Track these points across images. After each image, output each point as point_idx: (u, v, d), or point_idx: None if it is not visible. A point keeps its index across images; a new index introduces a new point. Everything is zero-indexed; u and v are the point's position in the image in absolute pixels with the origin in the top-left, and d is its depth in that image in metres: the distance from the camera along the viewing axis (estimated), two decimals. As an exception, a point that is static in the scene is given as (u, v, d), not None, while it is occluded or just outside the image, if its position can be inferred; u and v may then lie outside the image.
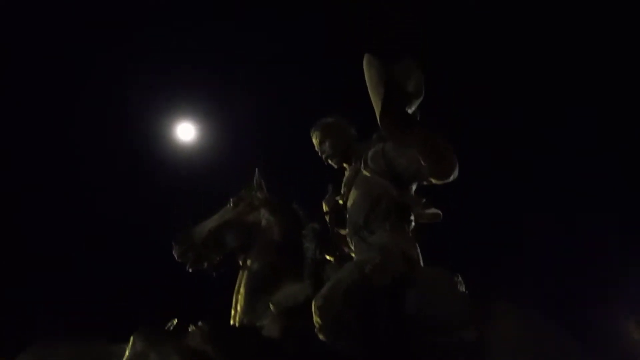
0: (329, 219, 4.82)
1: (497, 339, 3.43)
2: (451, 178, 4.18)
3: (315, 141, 5.07)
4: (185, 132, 13.22)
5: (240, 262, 4.75)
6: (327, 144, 4.97)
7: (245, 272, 4.61)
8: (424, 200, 4.47)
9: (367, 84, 3.96)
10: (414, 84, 3.87)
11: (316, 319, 3.67)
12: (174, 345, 3.25)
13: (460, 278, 4.00)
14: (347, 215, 4.63)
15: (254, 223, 4.87)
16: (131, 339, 3.38)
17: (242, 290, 4.52)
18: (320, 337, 3.63)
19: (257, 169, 5.22)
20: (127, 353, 3.32)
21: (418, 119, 3.92)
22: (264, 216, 4.89)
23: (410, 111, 3.89)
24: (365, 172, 4.60)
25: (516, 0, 11.22)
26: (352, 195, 4.65)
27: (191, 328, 3.49)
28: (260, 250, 4.67)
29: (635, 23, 10.75)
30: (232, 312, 4.48)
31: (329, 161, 5.01)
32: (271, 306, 4.13)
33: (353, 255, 4.47)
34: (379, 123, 3.81)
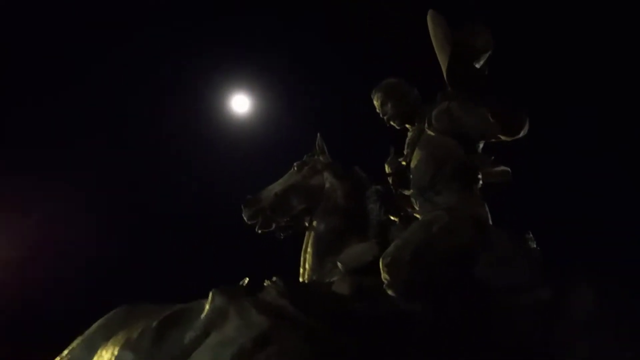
0: (392, 181, 4.81)
1: (571, 304, 3.35)
2: (522, 134, 4.06)
3: (376, 103, 5.02)
4: (240, 104, 13.48)
5: (307, 224, 4.86)
6: (389, 105, 4.91)
7: (312, 233, 4.72)
8: (493, 157, 4.37)
9: (433, 41, 3.86)
10: (482, 40, 3.73)
11: (384, 276, 3.73)
12: (251, 300, 3.38)
13: (531, 236, 3.92)
14: (411, 176, 4.60)
15: (318, 186, 4.94)
16: (210, 294, 3.55)
17: (309, 249, 4.64)
18: (389, 292, 3.69)
19: (318, 134, 5.26)
20: (206, 307, 3.49)
21: (486, 74, 3.80)
22: (328, 179, 4.95)
23: (478, 67, 3.78)
24: (429, 132, 4.53)
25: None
26: (416, 156, 4.60)
27: (266, 283, 3.63)
28: (326, 212, 4.76)
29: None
30: (301, 270, 4.63)
31: (391, 122, 4.96)
32: (339, 265, 4.23)
33: (418, 215, 4.47)
34: (445, 80, 3.72)
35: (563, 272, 3.50)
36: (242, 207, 4.95)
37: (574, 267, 3.55)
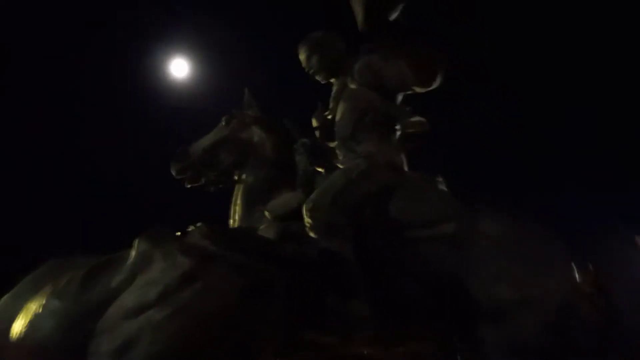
0: (319, 133, 4.99)
1: (478, 234, 3.68)
2: (434, 85, 4.31)
3: (302, 57, 5.13)
4: (179, 68, 13.37)
5: (236, 177, 4.98)
6: (313, 59, 5.03)
7: (241, 186, 4.85)
8: (409, 109, 4.61)
9: None
10: None
11: (307, 220, 3.94)
12: (176, 244, 3.50)
13: (442, 179, 4.22)
14: (336, 129, 4.79)
15: (246, 140, 5.05)
16: (135, 241, 3.63)
17: (238, 201, 4.77)
18: (312, 235, 3.91)
19: (246, 89, 5.33)
20: (132, 253, 3.58)
21: (403, 23, 3.98)
22: (256, 133, 5.06)
23: (394, 16, 3.95)
24: (352, 86, 4.72)
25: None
26: (340, 108, 4.78)
27: (190, 228, 3.75)
28: (254, 165, 4.89)
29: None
30: (230, 222, 4.77)
31: (316, 76, 5.10)
32: (266, 213, 4.40)
33: (341, 165, 4.69)
34: (360, 30, 3.88)
35: (472, 207, 3.82)
36: (171, 162, 5.00)
37: (480, 204, 3.88)
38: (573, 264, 3.73)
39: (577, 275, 3.70)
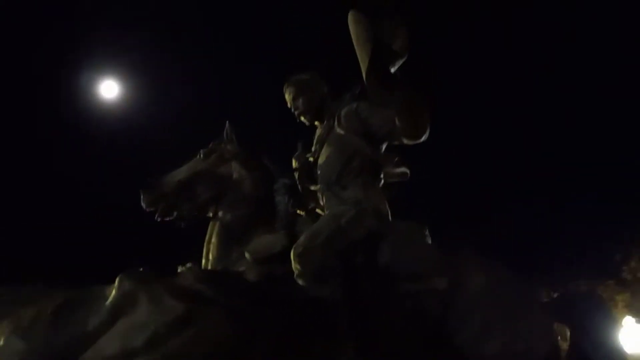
0: (299, 175, 4.95)
1: (466, 288, 3.76)
2: (422, 139, 4.42)
3: (288, 97, 5.11)
4: (109, 89, 13.22)
5: (211, 214, 4.80)
6: (300, 100, 5.02)
7: (217, 223, 4.68)
8: (396, 158, 4.70)
9: (354, 42, 4.05)
10: (400, 42, 4.00)
11: (296, 266, 3.86)
12: (164, 285, 3.28)
13: (427, 231, 4.29)
14: (319, 172, 4.77)
15: (225, 175, 4.91)
16: (118, 279, 3.37)
17: (214, 240, 4.60)
18: (300, 281, 3.82)
19: (227, 122, 5.22)
20: (113, 293, 3.31)
21: (400, 78, 4.08)
22: (236, 169, 4.94)
23: (393, 70, 4.04)
24: (338, 130, 4.75)
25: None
26: (325, 152, 4.78)
27: (180, 269, 3.54)
28: (232, 203, 4.75)
29: None
30: (204, 261, 4.56)
31: (302, 117, 5.09)
32: (247, 254, 4.26)
33: (324, 210, 4.65)
34: (365, 81, 3.94)
35: (457, 261, 3.91)
36: (142, 191, 4.75)
37: (466, 257, 3.97)
38: (552, 323, 3.89)
39: (555, 331, 3.86)
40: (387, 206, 4.53)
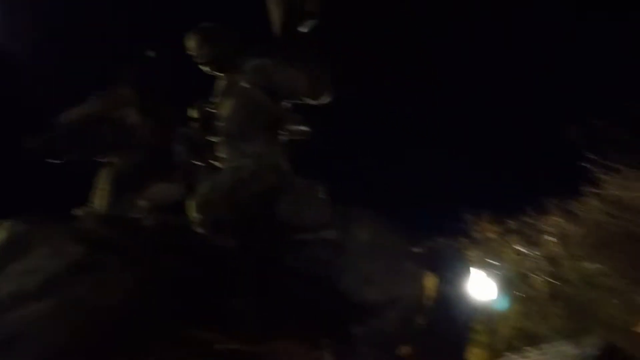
0: (199, 125, 4.93)
1: (353, 239, 4.13)
2: (324, 100, 4.65)
3: (191, 44, 5.00)
4: None
5: (105, 158, 4.65)
6: (205, 49, 4.94)
7: (110, 169, 4.55)
8: (297, 116, 4.87)
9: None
10: (311, 4, 4.11)
11: (195, 215, 3.94)
12: (62, 229, 3.20)
13: (321, 188, 4.58)
14: (221, 124, 4.79)
15: (120, 120, 4.74)
16: (4, 223, 3.19)
17: (106, 185, 4.47)
18: (199, 230, 3.92)
19: (126, 66, 4.99)
20: (2, 237, 3.15)
21: (308, 39, 4.22)
22: (131, 114, 4.78)
23: (304, 30, 4.16)
24: (243, 84, 4.78)
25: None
26: (228, 104, 4.79)
27: (80, 211, 3.45)
28: (127, 148, 4.63)
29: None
30: (93, 205, 4.42)
31: (204, 67, 5.01)
32: (141, 202, 4.24)
33: (223, 162, 4.72)
34: (277, 38, 4.02)
35: (347, 216, 4.26)
36: (30, 134, 4.44)
37: (355, 212, 4.34)
38: (422, 272, 4.43)
39: (424, 281, 4.42)
40: (287, 161, 4.73)
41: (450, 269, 4.68)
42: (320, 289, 3.96)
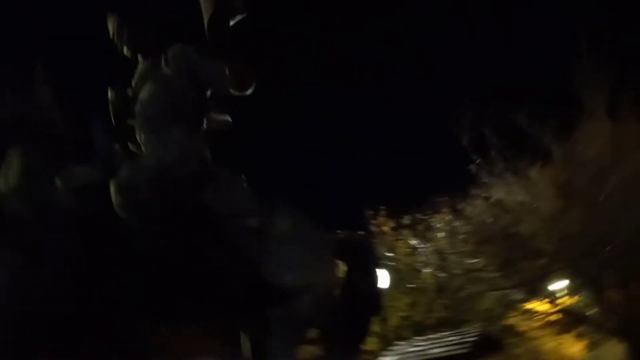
0: (118, 108, 4.84)
1: (274, 227, 4.33)
2: (247, 91, 4.78)
3: (111, 25, 4.88)
4: None
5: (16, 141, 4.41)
6: (125, 31, 4.85)
7: (22, 151, 4.34)
8: (218, 106, 4.95)
9: None
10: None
11: (118, 198, 3.92)
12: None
13: (243, 177, 4.73)
14: (140, 108, 4.74)
15: (34, 103, 4.53)
16: None
17: (20, 165, 4.27)
18: (121, 214, 3.91)
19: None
20: None
21: (236, 32, 4.33)
22: (45, 96, 4.58)
23: (231, 23, 4.27)
24: (165, 70, 4.76)
25: None
26: (148, 89, 4.75)
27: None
28: (42, 133, 4.45)
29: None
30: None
31: (124, 49, 4.92)
32: (59, 182, 4.11)
33: (142, 146, 4.68)
34: (206, 27, 4.09)
35: (268, 204, 4.45)
36: None
37: (276, 202, 4.54)
38: (335, 260, 4.75)
39: (336, 267, 4.74)
40: (210, 151, 4.80)
41: (360, 258, 5.03)
42: (241, 275, 4.12)
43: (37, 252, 3.12)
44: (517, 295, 13.92)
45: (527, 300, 14.01)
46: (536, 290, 13.83)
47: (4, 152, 4.28)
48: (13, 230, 3.43)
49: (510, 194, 13.75)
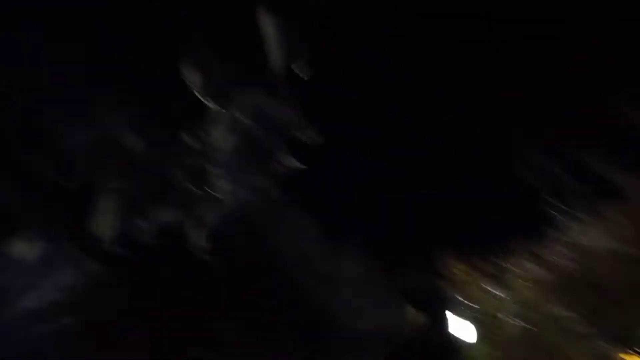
0: (195, 153, 5.18)
1: (343, 274, 4.43)
2: (314, 136, 4.96)
3: (190, 73, 5.27)
4: None
5: (108, 183, 4.81)
6: (202, 79, 5.19)
7: (113, 193, 4.72)
8: (289, 150, 5.15)
9: None
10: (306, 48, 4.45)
11: (204, 245, 4.16)
12: (84, 247, 3.35)
13: (312, 219, 4.86)
14: (217, 153, 5.05)
15: (121, 145, 4.93)
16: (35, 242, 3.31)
17: (111, 208, 4.64)
18: (204, 257, 4.12)
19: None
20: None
21: (303, 78, 4.53)
22: (131, 140, 4.98)
23: (298, 70, 4.48)
24: (238, 116, 5.06)
25: None
26: (223, 135, 5.12)
27: (95, 231, 3.60)
28: (129, 174, 4.82)
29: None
30: (101, 226, 4.55)
31: (201, 96, 5.26)
32: (145, 224, 4.42)
33: (221, 190, 4.94)
34: (271, 74, 4.32)
35: (336, 247, 4.55)
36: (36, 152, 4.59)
37: (346, 247, 4.63)
38: (407, 306, 4.73)
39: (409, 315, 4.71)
40: (280, 194, 5.00)
41: (432, 305, 4.97)
42: (311, 319, 4.19)
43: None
44: (608, 346, 12.92)
45: (619, 351, 12.97)
46: (629, 341, 12.79)
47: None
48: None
49: (592, 238, 12.99)
